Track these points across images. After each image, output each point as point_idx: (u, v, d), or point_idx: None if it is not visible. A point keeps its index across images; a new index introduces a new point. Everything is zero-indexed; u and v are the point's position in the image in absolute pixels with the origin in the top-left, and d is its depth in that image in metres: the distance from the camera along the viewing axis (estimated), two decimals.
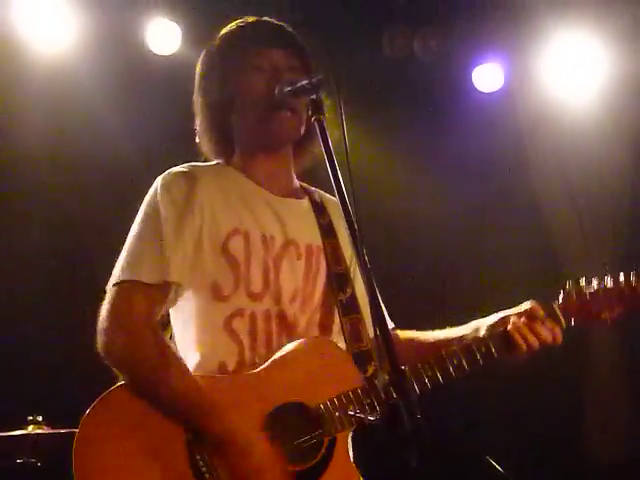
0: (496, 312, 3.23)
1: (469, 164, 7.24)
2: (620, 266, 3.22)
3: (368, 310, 3.13)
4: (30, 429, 5.05)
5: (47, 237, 6.83)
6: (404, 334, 3.35)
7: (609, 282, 3.20)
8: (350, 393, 2.90)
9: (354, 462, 2.95)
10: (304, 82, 2.81)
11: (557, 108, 7.29)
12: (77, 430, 2.76)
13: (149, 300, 2.90)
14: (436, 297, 7.16)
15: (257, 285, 3.01)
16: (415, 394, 2.92)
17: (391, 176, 7.49)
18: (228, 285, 2.97)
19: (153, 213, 2.99)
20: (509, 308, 3.22)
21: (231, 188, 3.12)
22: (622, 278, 3.20)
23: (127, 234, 3.03)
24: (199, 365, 2.96)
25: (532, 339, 3.09)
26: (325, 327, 3.16)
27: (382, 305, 3.28)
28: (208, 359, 2.95)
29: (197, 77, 3.27)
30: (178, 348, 3.01)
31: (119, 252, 2.99)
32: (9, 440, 4.99)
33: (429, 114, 7.21)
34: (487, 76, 7.35)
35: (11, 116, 6.54)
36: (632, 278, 3.19)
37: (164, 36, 6.67)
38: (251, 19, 3.27)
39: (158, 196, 3.00)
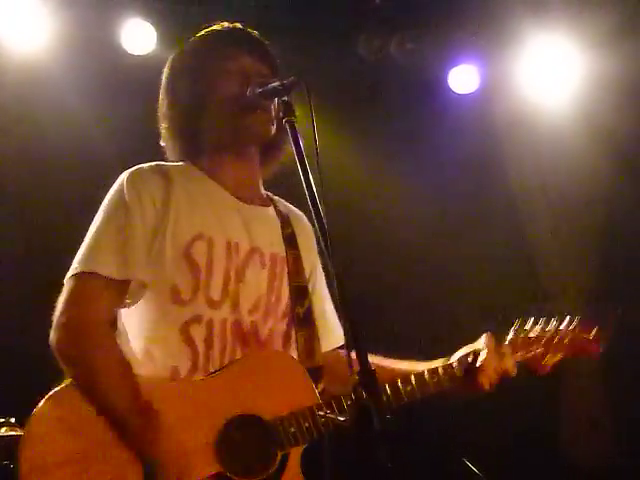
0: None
1: (445, 166, 7.25)
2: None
3: (328, 321, 3.24)
4: (3, 431, 5.01)
5: (20, 235, 6.77)
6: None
7: (552, 327, 3.33)
8: (306, 409, 2.90)
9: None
10: (276, 84, 2.82)
11: (533, 110, 7.31)
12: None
13: (108, 296, 2.89)
14: (407, 298, 7.17)
15: (217, 292, 2.99)
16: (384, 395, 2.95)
17: (365, 178, 7.49)
18: (187, 290, 2.95)
19: (118, 208, 2.96)
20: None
21: (198, 190, 3.10)
22: (564, 325, 3.33)
23: None
24: (151, 369, 2.92)
25: (492, 373, 3.17)
26: (288, 338, 3.17)
27: (337, 325, 3.38)
28: (161, 363, 2.92)
29: (164, 79, 3.27)
30: (131, 347, 2.98)
31: None
32: None
33: (404, 116, 7.21)
34: (463, 78, 7.36)
35: None
36: (573, 326, 3.33)
37: (139, 36, 6.64)
38: (221, 25, 3.28)
39: (126, 191, 2.97)
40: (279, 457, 2.87)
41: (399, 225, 7.44)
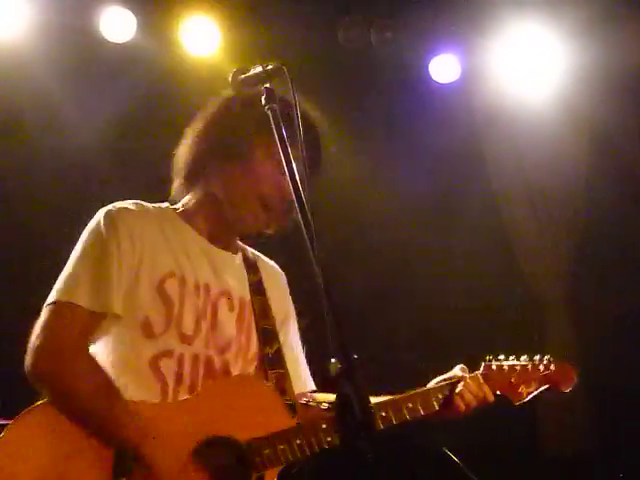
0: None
1: (425, 155, 7.24)
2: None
3: (297, 368, 3.30)
4: None
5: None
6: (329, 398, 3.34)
7: (524, 360, 3.46)
8: (281, 432, 2.92)
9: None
10: (257, 70, 2.78)
11: (514, 100, 7.32)
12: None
13: (83, 325, 2.91)
14: (389, 292, 7.18)
15: (189, 328, 3.01)
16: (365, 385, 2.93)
17: (342, 167, 7.46)
18: (160, 323, 2.97)
19: (97, 242, 2.99)
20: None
21: (171, 231, 3.13)
22: (537, 358, 3.47)
23: (82, 229, 3.06)
24: None
25: (470, 399, 3.29)
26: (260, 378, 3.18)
27: (306, 372, 3.43)
28: (129, 396, 2.89)
29: (220, 107, 3.24)
30: None
31: (71, 249, 3.02)
32: None
33: (385, 105, 7.20)
34: (444, 67, 7.35)
35: None
36: (545, 361, 3.46)
37: (118, 24, 6.59)
38: (304, 106, 2.95)
39: (103, 226, 3.00)
40: (254, 479, 2.88)
41: (375, 214, 7.42)
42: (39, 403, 2.82)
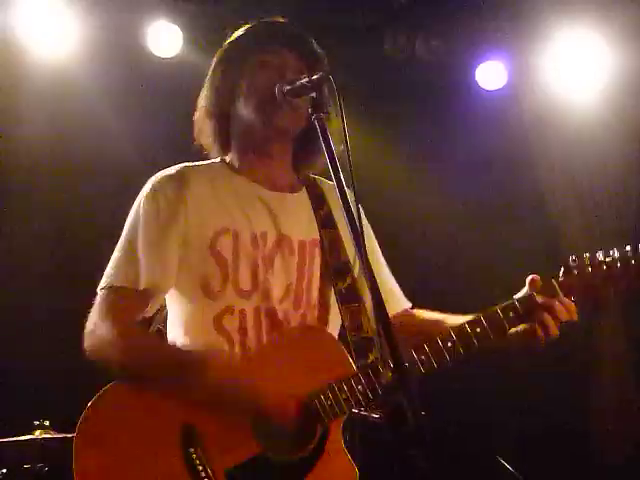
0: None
1: (473, 162, 7.22)
2: None
3: (386, 283, 3.20)
4: (37, 434, 5.03)
5: (49, 240, 6.82)
6: (422, 315, 3.30)
7: (615, 254, 2.97)
8: (342, 382, 2.88)
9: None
10: (304, 80, 2.81)
11: (561, 105, 7.28)
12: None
13: (133, 304, 3.00)
14: (439, 294, 7.14)
15: (246, 283, 3.02)
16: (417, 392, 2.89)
17: (394, 175, 7.47)
18: (217, 282, 3.00)
19: (137, 220, 3.07)
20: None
21: (223, 186, 3.14)
22: (629, 250, 2.96)
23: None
24: None
25: (547, 319, 2.90)
26: (322, 323, 3.15)
27: (395, 288, 3.33)
28: None
29: (210, 67, 3.30)
30: None
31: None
32: (16, 445, 4.97)
33: (432, 113, 7.19)
34: (490, 74, 7.34)
35: (13, 121, 6.54)
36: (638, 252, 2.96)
37: (165, 39, 6.66)
38: (269, 19, 3.30)
39: (143, 202, 3.07)
40: (319, 432, 2.87)
41: (427, 221, 7.42)
42: (109, 386, 2.87)
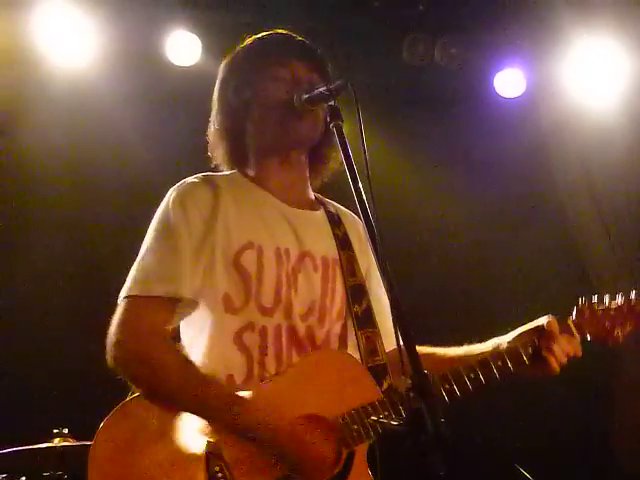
0: (518, 318, 3.23)
1: (491, 170, 7.21)
2: None
3: (385, 322, 3.13)
4: (56, 442, 5.03)
5: (67, 250, 6.84)
6: (422, 349, 3.24)
7: (620, 299, 3.24)
8: (368, 406, 2.87)
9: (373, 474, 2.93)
10: (322, 89, 2.81)
11: (580, 112, 7.25)
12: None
13: (159, 314, 2.92)
14: (456, 301, 7.13)
15: (268, 299, 2.99)
16: (437, 398, 2.90)
17: (412, 182, 7.47)
18: (239, 298, 2.97)
19: (166, 226, 3.00)
20: (533, 312, 3.21)
21: (245, 199, 3.11)
22: (633, 296, 3.24)
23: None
24: None
25: (560, 354, 3.09)
26: (343, 340, 3.16)
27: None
28: (216, 372, 2.90)
29: (216, 85, 3.29)
30: None
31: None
32: (36, 453, 4.98)
33: (450, 120, 7.19)
34: (509, 81, 7.34)
35: (32, 131, 6.58)
36: None
37: (184, 48, 6.69)
38: (271, 32, 3.29)
39: (171, 209, 3.01)
40: (344, 455, 2.86)
41: (445, 227, 7.42)
42: (131, 398, 2.84)
